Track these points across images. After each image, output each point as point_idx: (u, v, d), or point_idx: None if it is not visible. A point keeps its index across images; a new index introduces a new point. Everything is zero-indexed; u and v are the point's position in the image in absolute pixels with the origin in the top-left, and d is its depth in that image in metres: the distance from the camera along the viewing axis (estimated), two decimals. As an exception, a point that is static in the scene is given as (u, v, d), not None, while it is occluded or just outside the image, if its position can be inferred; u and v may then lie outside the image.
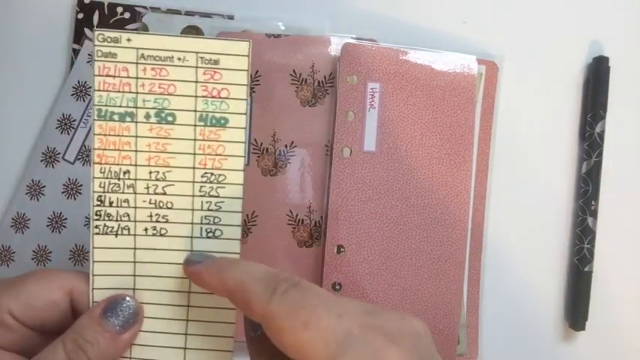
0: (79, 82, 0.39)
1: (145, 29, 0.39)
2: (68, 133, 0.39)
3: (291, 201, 0.39)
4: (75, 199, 0.39)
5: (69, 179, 0.39)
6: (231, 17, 0.40)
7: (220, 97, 0.27)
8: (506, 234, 0.41)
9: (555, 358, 0.42)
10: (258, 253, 0.38)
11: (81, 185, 0.39)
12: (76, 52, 0.40)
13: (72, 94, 0.39)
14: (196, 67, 0.27)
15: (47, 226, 0.39)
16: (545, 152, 0.42)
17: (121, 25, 0.40)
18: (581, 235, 0.41)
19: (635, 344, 0.42)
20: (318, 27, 0.40)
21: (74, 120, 0.39)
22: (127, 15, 0.40)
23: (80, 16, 0.40)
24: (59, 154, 0.39)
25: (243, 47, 0.27)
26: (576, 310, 0.41)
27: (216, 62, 0.27)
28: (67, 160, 0.39)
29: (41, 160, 0.39)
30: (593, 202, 0.41)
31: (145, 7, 0.40)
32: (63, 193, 0.39)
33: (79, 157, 0.39)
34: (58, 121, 0.39)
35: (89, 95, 0.39)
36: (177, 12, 0.40)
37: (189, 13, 0.40)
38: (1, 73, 0.40)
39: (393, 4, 0.41)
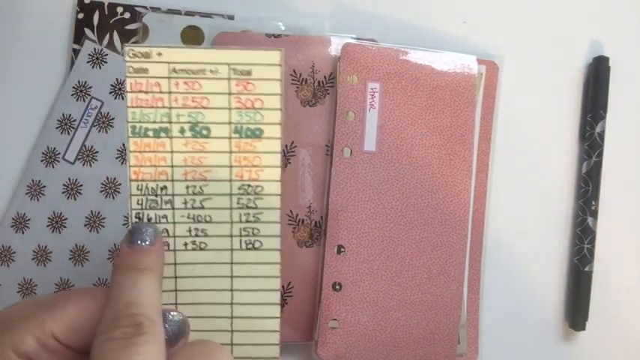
0: (79, 82, 0.39)
1: (145, 29, 0.39)
2: (68, 133, 0.39)
3: (291, 201, 0.39)
4: (75, 199, 0.39)
5: (69, 179, 0.39)
6: (231, 17, 0.40)
7: (254, 108, 0.26)
8: (507, 234, 0.41)
9: (555, 358, 0.42)
10: (258, 253, 0.38)
11: (81, 185, 0.39)
12: (76, 52, 0.40)
13: (72, 94, 0.39)
14: (229, 78, 0.26)
15: (47, 226, 0.39)
16: (545, 152, 0.42)
17: (120, 25, 0.40)
18: (581, 235, 0.41)
19: (635, 344, 0.42)
20: (318, 27, 0.40)
21: (74, 120, 0.39)
22: (127, 15, 0.40)
23: (80, 16, 0.40)
24: (59, 154, 0.39)
25: (275, 56, 0.26)
26: (576, 310, 0.41)
27: (248, 73, 0.26)
28: (67, 160, 0.39)
29: (41, 160, 0.39)
30: (593, 202, 0.41)
31: (145, 7, 0.40)
32: (63, 193, 0.39)
33: (79, 157, 0.39)
34: (58, 121, 0.39)
35: (89, 95, 0.39)
36: (177, 12, 0.40)
37: (189, 13, 0.40)
38: (1, 73, 0.40)
39: (393, 4, 0.41)
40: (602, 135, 0.41)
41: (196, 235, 0.27)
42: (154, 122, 0.26)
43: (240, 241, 0.27)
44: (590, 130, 0.41)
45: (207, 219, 0.27)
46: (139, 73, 0.26)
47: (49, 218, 0.39)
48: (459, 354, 0.39)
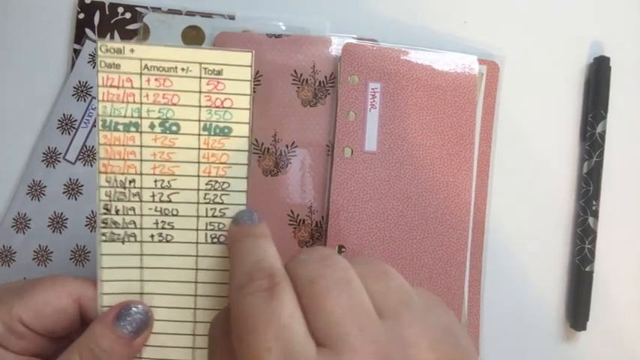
0: (79, 82, 0.39)
1: (145, 29, 0.39)
2: (69, 134, 0.39)
3: (292, 201, 0.39)
4: (76, 199, 0.39)
5: (70, 179, 0.39)
6: (232, 17, 0.40)
7: (224, 107, 0.27)
8: (507, 234, 0.41)
9: (556, 358, 0.42)
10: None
11: (82, 185, 0.39)
12: (76, 52, 0.40)
13: (73, 94, 0.39)
14: (200, 77, 0.27)
15: (48, 226, 0.39)
16: (546, 152, 0.42)
17: (121, 25, 0.40)
18: (582, 235, 0.41)
19: (635, 344, 0.42)
20: (319, 27, 0.40)
21: (75, 120, 0.39)
22: (127, 15, 0.40)
23: (81, 16, 0.40)
24: (60, 154, 0.39)
25: (246, 58, 0.27)
26: (577, 310, 0.41)
27: (219, 72, 0.27)
28: (68, 161, 0.39)
29: (42, 161, 0.39)
30: (594, 202, 0.41)
31: (145, 7, 0.40)
32: (64, 193, 0.39)
33: (80, 157, 0.39)
34: (59, 121, 0.39)
35: (90, 95, 0.39)
36: (178, 12, 0.40)
37: (190, 13, 0.40)
38: (1, 73, 0.40)
39: (394, 4, 0.41)
40: (602, 135, 0.41)
41: (163, 228, 0.28)
42: (125, 117, 0.27)
43: (206, 234, 0.28)
44: (591, 130, 0.41)
45: (174, 212, 0.27)
46: (111, 68, 0.27)
47: (49, 218, 0.39)
48: (459, 354, 0.39)
